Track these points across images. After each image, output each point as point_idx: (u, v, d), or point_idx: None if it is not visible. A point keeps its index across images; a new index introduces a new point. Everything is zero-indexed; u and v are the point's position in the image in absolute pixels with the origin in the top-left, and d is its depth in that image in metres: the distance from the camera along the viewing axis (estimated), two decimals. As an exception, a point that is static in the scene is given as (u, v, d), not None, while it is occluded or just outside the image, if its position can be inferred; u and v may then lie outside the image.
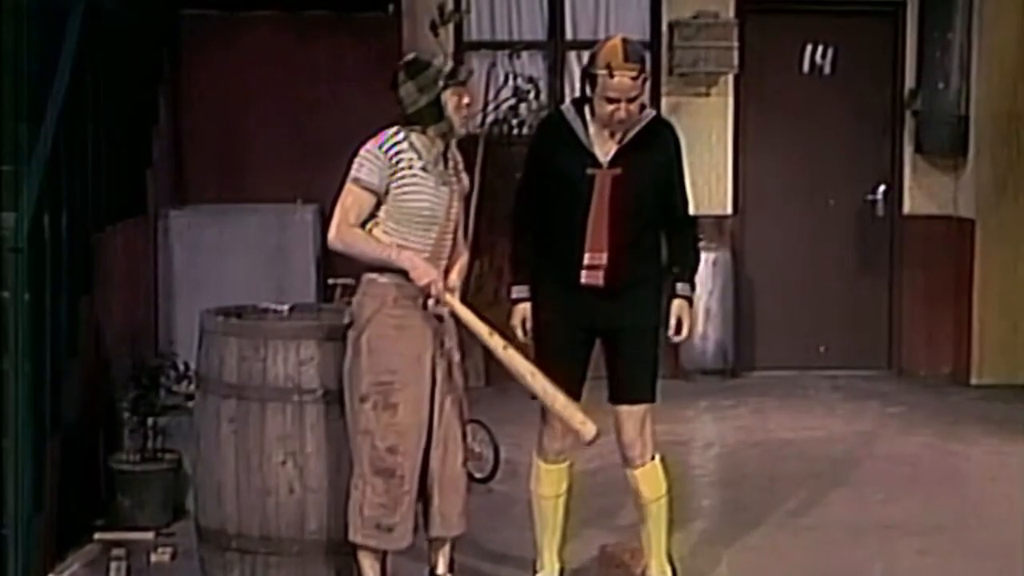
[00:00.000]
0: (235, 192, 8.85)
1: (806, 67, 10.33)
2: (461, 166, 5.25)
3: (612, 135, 5.22)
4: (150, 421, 6.45)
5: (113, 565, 5.77)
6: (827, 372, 10.29)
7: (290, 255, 8.54)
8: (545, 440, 5.43)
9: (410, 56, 5.22)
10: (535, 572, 5.57)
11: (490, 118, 9.61)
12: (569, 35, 10.25)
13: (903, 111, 10.33)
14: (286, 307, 5.68)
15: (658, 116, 5.49)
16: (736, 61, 9.89)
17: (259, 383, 5.20)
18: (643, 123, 5.27)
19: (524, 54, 9.97)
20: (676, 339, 5.38)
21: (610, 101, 5.11)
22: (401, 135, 5.04)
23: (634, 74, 5.07)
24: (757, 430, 8.75)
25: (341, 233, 5.02)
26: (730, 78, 10.13)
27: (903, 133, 10.35)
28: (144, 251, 8.12)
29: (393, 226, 5.02)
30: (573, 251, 5.24)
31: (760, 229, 10.35)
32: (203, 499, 5.40)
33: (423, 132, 5.05)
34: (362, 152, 5.04)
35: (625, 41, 5.17)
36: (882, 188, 10.39)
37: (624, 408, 5.36)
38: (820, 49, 10.31)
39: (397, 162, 4.99)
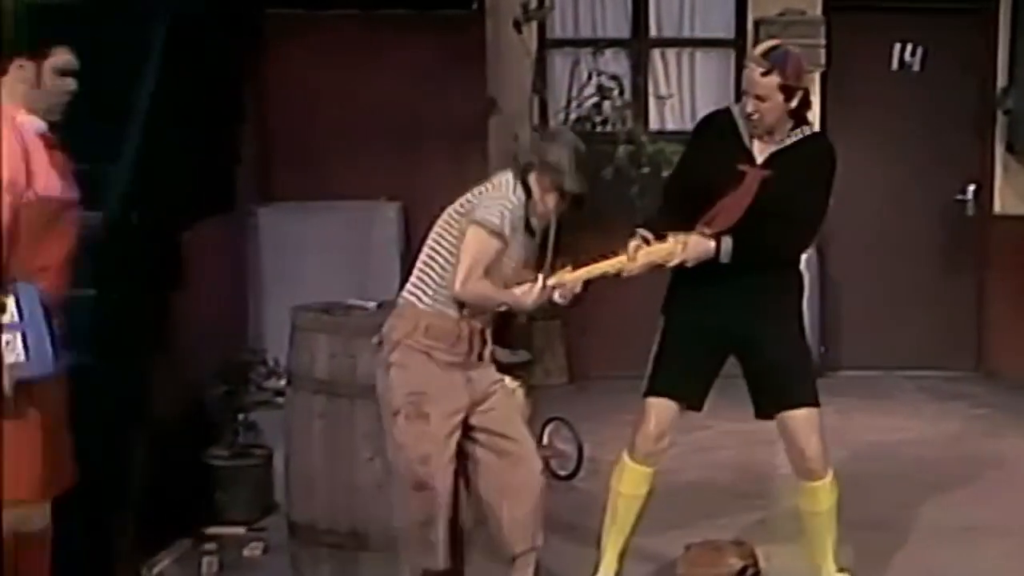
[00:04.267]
0: (320, 189, 8.86)
1: (895, 65, 10.22)
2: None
3: (770, 140, 5.21)
4: (240, 417, 6.51)
5: (205, 560, 5.83)
6: (912, 373, 10.16)
7: (374, 252, 8.56)
8: (639, 439, 5.38)
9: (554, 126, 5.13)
10: (594, 573, 5.50)
11: (573, 116, 9.58)
12: (653, 32, 10.20)
13: (994, 110, 10.19)
14: (373, 304, 5.70)
15: (820, 133, 5.48)
16: (823, 59, 9.79)
17: (349, 380, 5.23)
18: (803, 135, 5.26)
19: (608, 52, 9.92)
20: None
21: (744, 92, 5.17)
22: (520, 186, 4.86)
23: (762, 71, 5.07)
24: (844, 431, 8.65)
25: (471, 286, 4.75)
26: (817, 76, 10.04)
27: (994, 132, 10.20)
28: (232, 247, 8.18)
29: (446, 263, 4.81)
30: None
31: (846, 228, 10.22)
32: (293, 494, 5.44)
33: None
34: (505, 201, 4.79)
35: (779, 46, 5.18)
36: (972, 187, 10.25)
37: (798, 414, 5.32)
38: (909, 47, 10.19)
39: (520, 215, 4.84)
